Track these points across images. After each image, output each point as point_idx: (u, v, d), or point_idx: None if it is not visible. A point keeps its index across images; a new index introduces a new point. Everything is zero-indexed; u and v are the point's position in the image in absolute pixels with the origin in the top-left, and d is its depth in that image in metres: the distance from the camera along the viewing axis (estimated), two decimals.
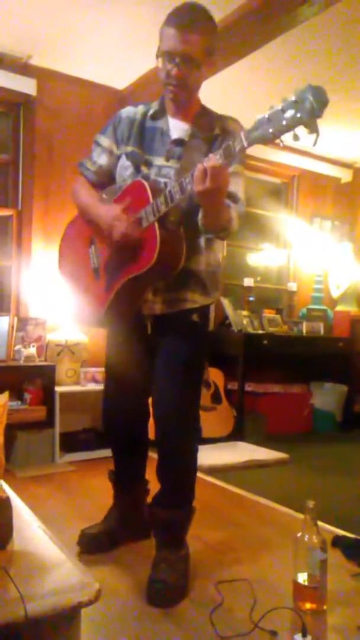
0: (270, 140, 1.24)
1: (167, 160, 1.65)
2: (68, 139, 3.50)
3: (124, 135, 1.73)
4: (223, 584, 1.66)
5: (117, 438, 1.96)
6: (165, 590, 1.57)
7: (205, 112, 1.72)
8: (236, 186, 1.61)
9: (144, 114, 1.72)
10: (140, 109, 1.74)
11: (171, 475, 1.72)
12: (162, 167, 1.65)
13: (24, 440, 3.00)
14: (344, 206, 5.11)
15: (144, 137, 1.70)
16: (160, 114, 1.70)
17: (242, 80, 3.35)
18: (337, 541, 2.01)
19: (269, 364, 4.36)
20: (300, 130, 1.19)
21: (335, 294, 5.00)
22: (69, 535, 1.96)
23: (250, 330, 4.08)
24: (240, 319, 4.08)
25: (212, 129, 1.67)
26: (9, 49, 3.21)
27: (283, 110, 1.19)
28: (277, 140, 1.23)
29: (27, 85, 3.32)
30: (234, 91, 3.40)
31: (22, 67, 3.31)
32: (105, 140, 1.77)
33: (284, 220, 4.84)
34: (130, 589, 1.66)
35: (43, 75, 3.39)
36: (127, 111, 1.76)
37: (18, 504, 1.23)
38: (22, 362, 3.09)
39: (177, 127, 1.67)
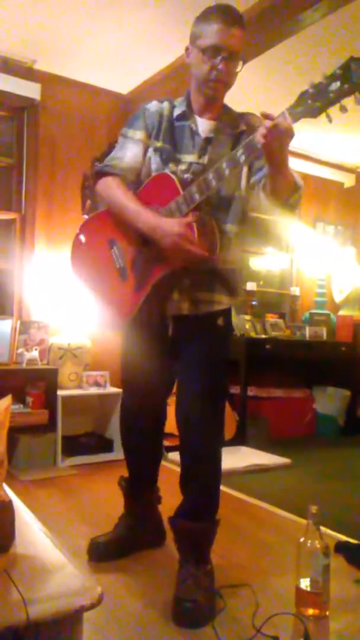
0: (315, 114, 1.22)
1: (200, 157, 1.62)
2: (71, 143, 3.51)
3: (154, 127, 1.67)
4: (225, 589, 1.65)
5: (134, 443, 1.91)
6: (195, 611, 1.48)
7: (227, 110, 1.72)
8: None
9: (170, 112, 1.68)
10: (166, 105, 1.69)
11: (196, 484, 1.65)
12: (193, 164, 1.62)
13: (26, 443, 3.00)
14: (347, 211, 5.12)
15: (173, 134, 1.65)
16: (187, 114, 1.66)
17: (245, 85, 3.35)
18: (340, 546, 2.00)
19: (271, 368, 4.36)
20: (346, 101, 1.17)
21: (338, 298, 4.99)
22: (71, 538, 1.96)
23: (252, 334, 4.08)
24: (243, 323, 4.08)
25: (236, 126, 1.68)
26: (14, 53, 3.23)
27: (327, 84, 1.18)
28: (324, 116, 1.21)
29: (31, 90, 3.33)
30: (236, 95, 3.41)
31: (27, 72, 3.33)
32: (137, 133, 1.68)
33: (287, 224, 4.84)
34: (132, 594, 1.65)
35: (47, 80, 3.40)
36: (154, 105, 1.70)
37: (20, 507, 1.22)
38: (24, 366, 3.09)
39: (205, 126, 1.66)
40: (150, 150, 1.67)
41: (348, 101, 1.17)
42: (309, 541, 1.54)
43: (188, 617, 1.48)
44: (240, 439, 3.71)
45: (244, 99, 3.48)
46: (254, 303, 4.30)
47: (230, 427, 3.75)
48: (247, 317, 4.17)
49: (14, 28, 2.97)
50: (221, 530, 1.70)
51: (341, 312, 4.84)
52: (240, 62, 1.57)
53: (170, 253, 1.51)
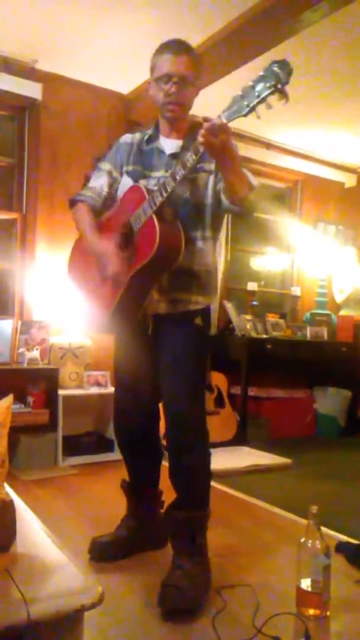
0: (246, 112, 1.39)
1: (166, 171, 1.74)
2: (73, 143, 3.51)
3: (123, 158, 1.87)
4: (225, 589, 1.65)
5: (129, 443, 1.95)
6: (178, 596, 1.51)
7: (194, 126, 1.81)
8: None
9: (140, 139, 1.86)
10: (137, 135, 1.89)
11: (181, 474, 1.72)
12: (161, 178, 1.74)
13: (27, 443, 3.00)
14: (348, 211, 5.11)
15: (142, 157, 1.83)
16: (154, 137, 1.83)
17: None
18: (341, 547, 2.00)
19: (272, 369, 4.36)
20: (271, 99, 1.35)
21: (339, 298, 4.99)
22: (71, 538, 1.96)
23: (253, 334, 4.08)
24: (244, 323, 4.08)
25: None
26: (15, 53, 3.23)
27: (253, 86, 1.36)
28: (253, 114, 1.38)
29: (32, 90, 3.33)
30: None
31: (28, 72, 3.33)
32: (105, 165, 1.90)
33: (288, 224, 4.85)
34: (132, 594, 1.65)
35: (48, 80, 3.41)
36: (125, 137, 1.90)
37: (21, 507, 1.22)
38: (25, 365, 3.09)
39: (171, 145, 1.79)
40: (125, 175, 1.85)
41: (273, 99, 1.35)
42: (310, 541, 1.54)
43: (168, 601, 1.52)
44: (240, 439, 3.71)
45: None
46: (254, 303, 4.30)
47: (230, 427, 3.75)
48: (248, 317, 4.17)
49: (15, 28, 2.98)
50: (221, 529, 1.71)
51: (342, 313, 4.83)
52: (192, 88, 1.73)
53: (100, 267, 1.74)
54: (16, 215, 3.45)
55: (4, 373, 3.04)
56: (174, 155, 1.77)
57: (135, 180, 1.78)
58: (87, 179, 1.96)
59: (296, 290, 4.66)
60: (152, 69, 1.78)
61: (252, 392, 4.05)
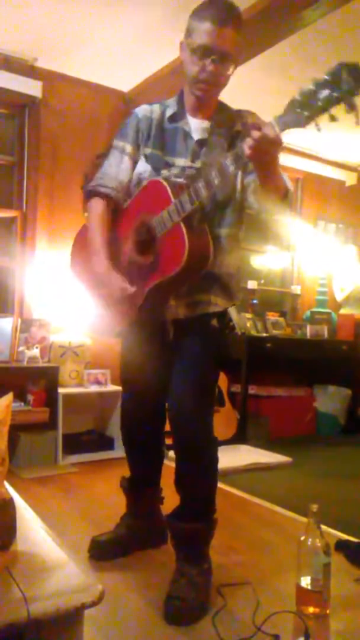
0: (304, 123, 1.17)
1: (193, 161, 1.59)
2: (73, 141, 3.51)
3: (143, 136, 1.65)
4: (225, 588, 1.65)
5: (134, 442, 1.92)
6: (184, 608, 1.49)
7: (223, 107, 1.67)
8: None
9: (161, 114, 1.65)
10: (156, 108, 1.67)
11: (190, 482, 1.64)
12: (187, 168, 1.59)
13: (27, 441, 3.00)
14: (349, 209, 5.11)
15: (164, 138, 1.63)
16: (180, 115, 1.63)
17: (246, 83, 3.35)
18: (341, 545, 2.00)
19: (272, 367, 4.35)
20: (335, 110, 1.13)
21: (340, 297, 4.99)
22: (72, 536, 1.96)
23: (253, 332, 4.07)
24: (244, 322, 4.08)
25: (232, 125, 1.62)
26: (16, 51, 3.22)
27: (315, 91, 1.14)
28: (313, 125, 1.16)
29: (32, 88, 3.33)
30: (238, 94, 3.40)
31: (28, 70, 3.32)
32: (126, 146, 1.67)
33: (288, 222, 4.83)
34: (132, 592, 1.65)
35: (49, 78, 3.40)
36: (144, 110, 1.68)
37: (21, 505, 1.22)
38: (25, 364, 3.09)
39: (198, 127, 1.62)
40: (142, 159, 1.65)
41: (338, 109, 1.13)
42: (310, 540, 1.54)
43: (175, 615, 1.49)
44: (240, 438, 3.70)
45: (243, 97, 3.48)
46: (254, 301, 4.29)
47: (230, 426, 3.75)
48: (248, 316, 4.16)
49: (15, 26, 2.97)
50: (222, 528, 1.70)
51: (342, 311, 4.83)
52: (232, 66, 1.53)
53: (102, 296, 1.63)
54: (16, 213, 3.44)
55: (3, 371, 3.04)
56: (200, 142, 1.60)
57: (155, 169, 1.60)
58: (87, 178, 1.82)
59: (296, 289, 4.66)
60: (188, 32, 1.50)
61: (252, 390, 4.05)
